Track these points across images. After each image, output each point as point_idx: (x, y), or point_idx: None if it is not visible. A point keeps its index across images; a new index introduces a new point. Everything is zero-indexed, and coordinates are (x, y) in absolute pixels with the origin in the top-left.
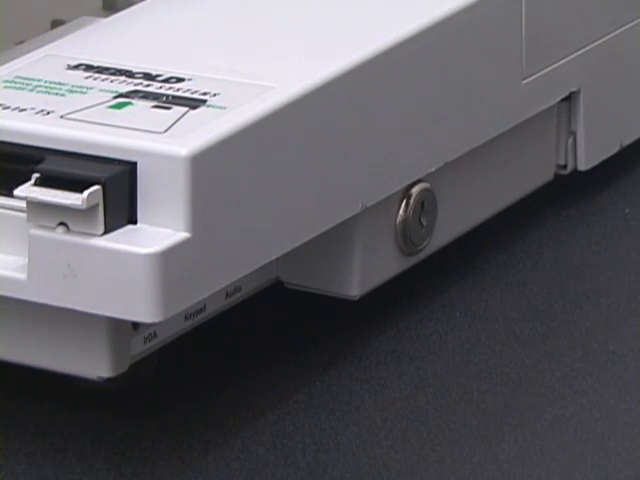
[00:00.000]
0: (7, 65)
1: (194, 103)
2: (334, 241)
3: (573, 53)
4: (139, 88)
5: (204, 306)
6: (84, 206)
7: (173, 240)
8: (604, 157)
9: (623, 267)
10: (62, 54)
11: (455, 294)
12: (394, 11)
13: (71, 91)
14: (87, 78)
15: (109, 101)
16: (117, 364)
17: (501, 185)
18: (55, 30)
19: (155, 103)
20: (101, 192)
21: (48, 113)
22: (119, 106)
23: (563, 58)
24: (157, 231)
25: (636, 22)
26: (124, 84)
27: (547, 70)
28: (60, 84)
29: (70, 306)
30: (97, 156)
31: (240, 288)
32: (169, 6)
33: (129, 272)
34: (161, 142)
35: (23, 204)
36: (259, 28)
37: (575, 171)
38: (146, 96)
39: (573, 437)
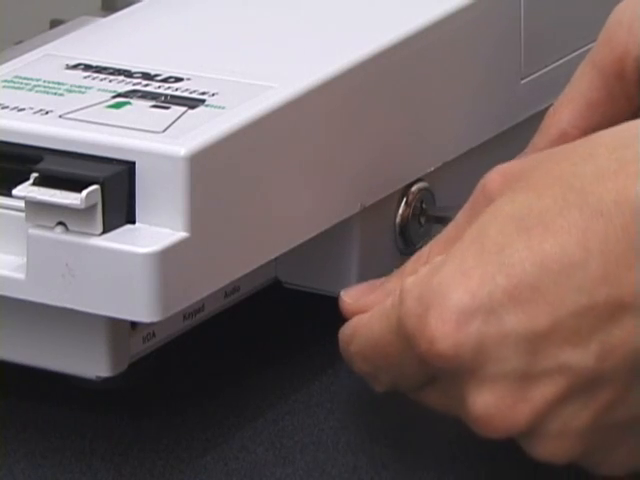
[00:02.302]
0: (6, 65)
1: (193, 103)
2: (333, 241)
3: (572, 53)
4: (138, 88)
5: (203, 306)
6: (82, 206)
7: (171, 240)
8: None
9: None
10: (61, 54)
11: None
12: (393, 11)
13: (70, 91)
14: (86, 78)
15: (108, 101)
16: (116, 364)
17: None
18: (54, 30)
19: (154, 103)
20: (99, 192)
21: (47, 113)
22: (118, 106)
23: (562, 58)
24: (155, 231)
25: None
26: (123, 84)
27: (546, 70)
28: (59, 84)
29: (69, 306)
30: (95, 156)
31: (239, 288)
32: (168, 6)
33: (128, 272)
34: (159, 142)
35: (22, 204)
36: (258, 28)
37: None
38: (144, 96)
39: None
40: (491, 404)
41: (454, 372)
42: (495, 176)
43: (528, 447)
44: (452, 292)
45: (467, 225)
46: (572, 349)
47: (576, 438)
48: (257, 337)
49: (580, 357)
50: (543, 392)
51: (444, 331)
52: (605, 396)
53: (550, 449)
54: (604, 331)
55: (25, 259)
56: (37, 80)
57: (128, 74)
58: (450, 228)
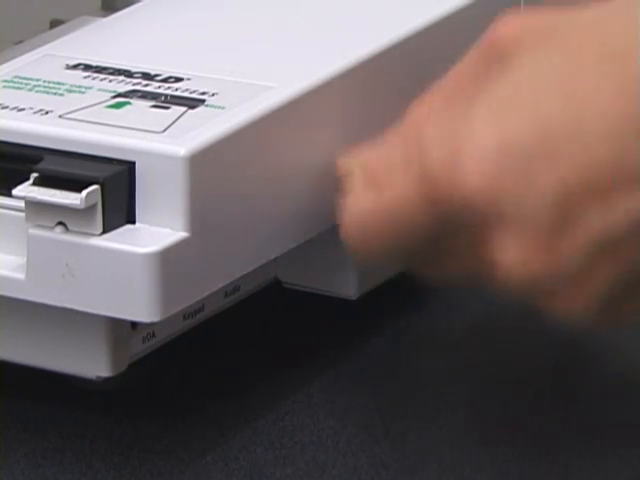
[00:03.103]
0: (6, 65)
1: (193, 103)
2: (333, 241)
3: None
4: (138, 88)
5: (203, 306)
6: (82, 206)
7: (171, 240)
8: None
9: None
10: (61, 54)
11: (455, 293)
12: (393, 11)
13: (70, 91)
14: (86, 78)
15: (108, 101)
16: (116, 364)
17: None
18: (54, 30)
19: (154, 103)
20: (99, 192)
21: (47, 113)
22: (118, 106)
23: None
24: (155, 231)
25: None
26: (123, 84)
27: None
28: (59, 84)
29: (69, 306)
30: (95, 156)
31: (239, 288)
32: (168, 6)
33: (128, 272)
34: (159, 142)
35: (22, 204)
36: (258, 28)
37: None
38: (145, 96)
39: (573, 437)
40: (519, 250)
41: (483, 216)
42: (510, 29)
43: (547, 302)
44: (483, 136)
45: (476, 79)
46: (599, 208)
47: (596, 293)
48: (257, 337)
49: (606, 217)
50: (570, 245)
51: (476, 170)
52: (626, 255)
53: (568, 304)
54: (631, 195)
55: (25, 259)
56: (37, 80)
57: (128, 74)
58: (451, 81)
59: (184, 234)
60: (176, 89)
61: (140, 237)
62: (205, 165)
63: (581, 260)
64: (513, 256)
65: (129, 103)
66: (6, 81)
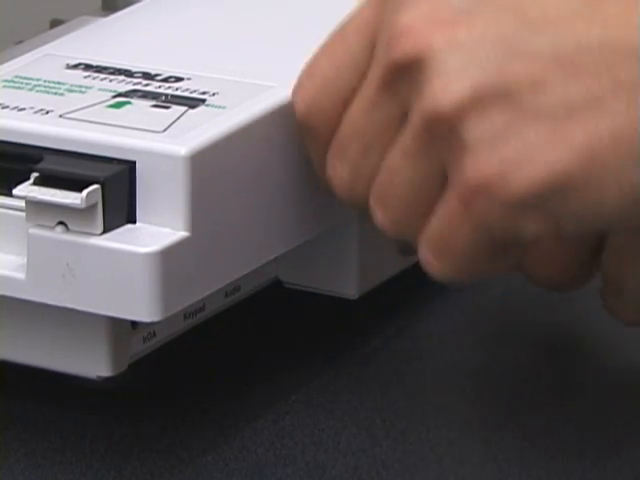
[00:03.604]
0: (6, 64)
1: (193, 102)
2: (333, 240)
3: None
4: (138, 87)
5: (203, 305)
6: (83, 205)
7: (172, 239)
8: None
9: None
10: (61, 54)
11: (455, 294)
12: None
13: (70, 90)
14: (86, 77)
15: (108, 100)
16: (116, 363)
17: None
18: (54, 30)
19: (154, 102)
20: (100, 191)
21: (47, 112)
22: (118, 105)
23: None
24: (156, 230)
25: None
26: (123, 83)
27: None
28: (59, 83)
29: (69, 305)
30: (96, 155)
31: (239, 287)
32: (168, 6)
33: (128, 271)
34: (160, 141)
35: (22, 203)
36: (258, 28)
37: None
38: (145, 95)
39: (573, 437)
40: (420, 16)
41: None
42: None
43: (426, 93)
44: None
45: None
46: (532, 34)
47: (472, 84)
48: (257, 337)
49: (529, 59)
50: (469, 24)
51: None
52: (524, 71)
53: (446, 84)
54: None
55: (25, 259)
56: (37, 80)
57: (128, 74)
58: None
59: (184, 234)
60: (176, 89)
61: (140, 237)
62: (205, 165)
63: (470, 43)
64: (414, 19)
65: (129, 103)
66: (6, 81)
